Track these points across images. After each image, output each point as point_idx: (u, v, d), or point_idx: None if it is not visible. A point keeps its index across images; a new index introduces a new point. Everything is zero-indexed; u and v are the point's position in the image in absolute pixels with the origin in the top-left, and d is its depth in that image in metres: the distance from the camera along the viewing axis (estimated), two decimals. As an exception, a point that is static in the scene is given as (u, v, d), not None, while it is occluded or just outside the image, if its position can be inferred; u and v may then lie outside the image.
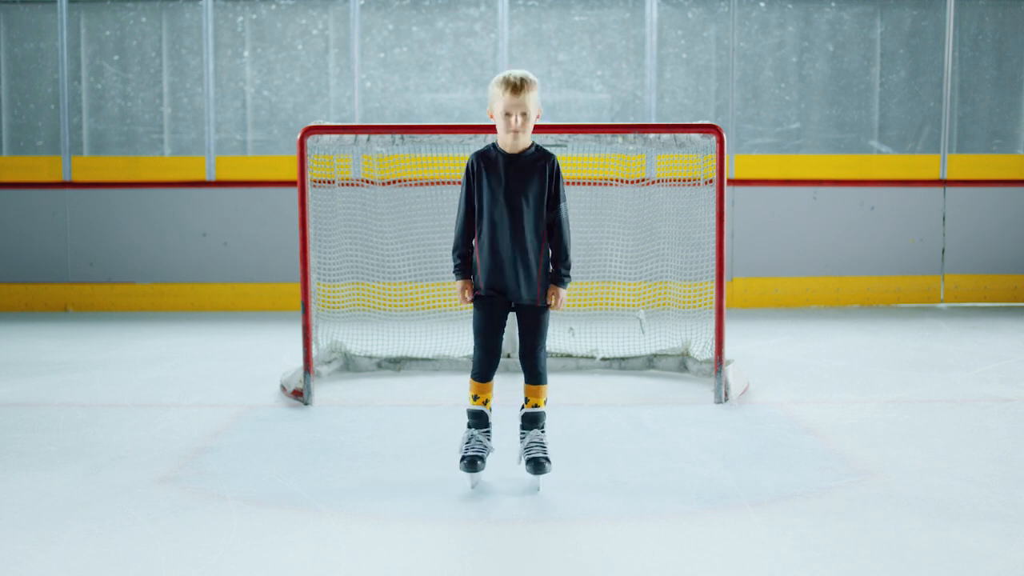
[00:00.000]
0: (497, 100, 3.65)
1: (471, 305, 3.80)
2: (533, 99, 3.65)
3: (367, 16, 9.09)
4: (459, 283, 3.81)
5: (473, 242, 3.80)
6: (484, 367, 3.73)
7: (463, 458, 3.69)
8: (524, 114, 3.63)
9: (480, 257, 3.75)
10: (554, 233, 3.78)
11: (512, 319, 3.88)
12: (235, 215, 9.00)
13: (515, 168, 3.70)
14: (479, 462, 3.68)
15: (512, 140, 3.66)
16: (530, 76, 3.67)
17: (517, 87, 3.61)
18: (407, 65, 9.15)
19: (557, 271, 3.81)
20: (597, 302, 6.74)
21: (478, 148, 3.82)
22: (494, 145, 3.75)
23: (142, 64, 9.16)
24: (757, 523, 3.28)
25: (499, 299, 3.73)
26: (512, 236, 3.69)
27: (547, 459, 3.69)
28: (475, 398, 3.76)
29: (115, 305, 9.01)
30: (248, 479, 3.80)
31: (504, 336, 3.81)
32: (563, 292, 3.80)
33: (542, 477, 3.72)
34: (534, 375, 3.76)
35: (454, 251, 3.79)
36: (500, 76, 3.68)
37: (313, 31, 9.17)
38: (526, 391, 3.79)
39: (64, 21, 8.99)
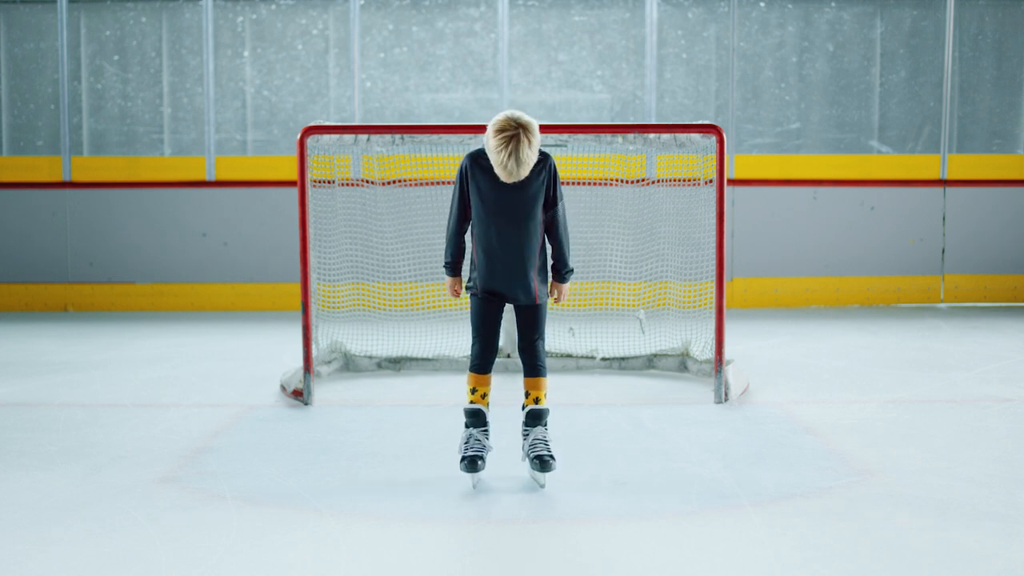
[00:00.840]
0: (497, 164, 3.57)
1: (463, 299, 3.83)
2: (533, 157, 3.56)
3: (367, 16, 9.09)
4: (449, 280, 3.90)
5: (467, 238, 3.82)
6: (482, 360, 3.75)
7: (463, 458, 3.69)
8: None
9: (476, 259, 3.76)
10: (552, 234, 3.79)
11: (509, 313, 3.89)
12: (235, 215, 9.00)
13: None
14: (479, 461, 3.68)
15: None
16: (527, 151, 3.53)
17: (512, 174, 3.56)
18: (407, 65, 9.15)
19: (558, 271, 3.85)
20: (597, 302, 6.74)
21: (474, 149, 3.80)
22: None
23: (142, 64, 9.16)
24: (757, 523, 3.28)
25: (496, 298, 3.75)
26: (508, 242, 3.69)
27: (552, 456, 3.69)
28: (473, 391, 3.77)
29: (115, 305, 9.01)
30: (248, 479, 3.80)
31: (502, 335, 3.82)
32: (565, 287, 3.87)
33: (546, 475, 3.72)
34: (534, 367, 3.78)
35: (446, 251, 3.83)
36: (498, 139, 3.52)
37: (313, 31, 9.17)
38: (526, 384, 3.80)
39: (64, 21, 8.99)
